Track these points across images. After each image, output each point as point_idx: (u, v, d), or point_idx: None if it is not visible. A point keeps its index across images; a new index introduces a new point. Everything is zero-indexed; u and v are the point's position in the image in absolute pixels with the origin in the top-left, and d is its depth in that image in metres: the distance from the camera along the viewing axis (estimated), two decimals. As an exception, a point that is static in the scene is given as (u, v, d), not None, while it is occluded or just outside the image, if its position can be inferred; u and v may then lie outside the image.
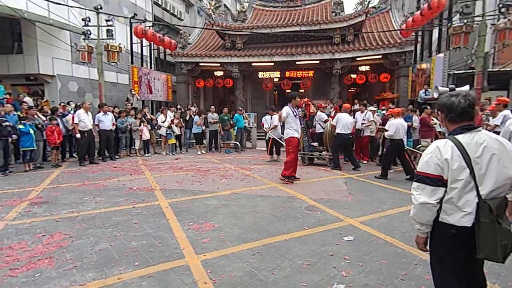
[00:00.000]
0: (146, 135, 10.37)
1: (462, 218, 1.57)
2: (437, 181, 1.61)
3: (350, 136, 7.95)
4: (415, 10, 13.12)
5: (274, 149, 9.42)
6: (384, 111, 9.74)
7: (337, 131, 7.70)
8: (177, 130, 10.89)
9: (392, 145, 6.82)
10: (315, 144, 8.87)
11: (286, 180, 6.22)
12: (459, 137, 1.62)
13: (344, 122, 7.61)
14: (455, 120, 1.68)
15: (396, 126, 6.48)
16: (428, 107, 8.20)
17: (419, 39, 13.27)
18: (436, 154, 1.62)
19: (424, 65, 11.60)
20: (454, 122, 1.69)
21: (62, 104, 10.16)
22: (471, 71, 9.74)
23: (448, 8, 10.57)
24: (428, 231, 1.75)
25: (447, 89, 8.14)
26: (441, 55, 10.32)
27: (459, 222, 1.58)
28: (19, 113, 8.02)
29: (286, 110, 6.21)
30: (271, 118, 9.48)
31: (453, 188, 1.59)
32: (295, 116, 6.23)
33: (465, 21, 8.89)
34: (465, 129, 1.64)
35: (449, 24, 9.93)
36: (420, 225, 1.73)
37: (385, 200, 5.05)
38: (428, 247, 1.80)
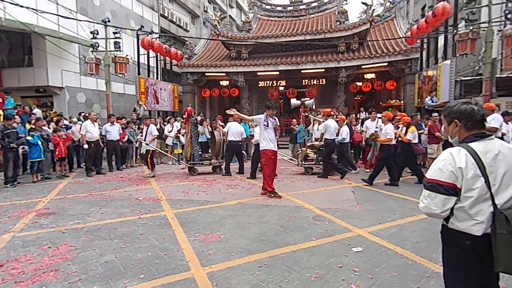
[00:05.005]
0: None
1: (472, 226, 1.53)
2: (450, 189, 1.55)
3: (240, 143, 8.82)
4: (420, 17, 13.10)
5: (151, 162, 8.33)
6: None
7: (228, 138, 8.41)
8: (183, 140, 10.92)
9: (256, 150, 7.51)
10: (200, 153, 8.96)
11: (273, 195, 5.80)
12: (472, 145, 1.58)
13: (233, 131, 8.36)
14: (472, 127, 1.63)
15: None
16: (436, 114, 8.11)
17: (425, 46, 13.20)
18: (450, 161, 1.57)
19: (430, 72, 11.50)
20: (469, 130, 1.64)
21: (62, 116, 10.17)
22: (479, 77, 9.62)
23: (453, 15, 10.51)
24: None
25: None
26: (448, 61, 10.23)
27: (469, 230, 1.54)
28: (26, 124, 8.15)
29: (258, 118, 5.95)
30: (148, 128, 8.35)
31: (467, 197, 1.54)
32: (266, 126, 5.87)
33: (471, 27, 8.83)
34: (478, 137, 1.60)
35: (455, 31, 9.87)
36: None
37: (395, 210, 4.94)
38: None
